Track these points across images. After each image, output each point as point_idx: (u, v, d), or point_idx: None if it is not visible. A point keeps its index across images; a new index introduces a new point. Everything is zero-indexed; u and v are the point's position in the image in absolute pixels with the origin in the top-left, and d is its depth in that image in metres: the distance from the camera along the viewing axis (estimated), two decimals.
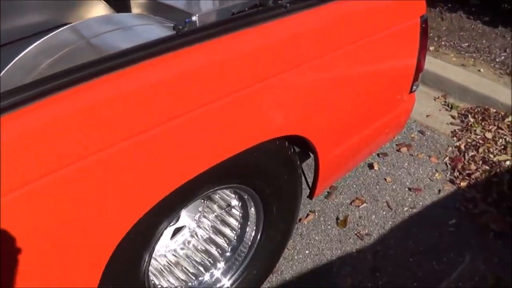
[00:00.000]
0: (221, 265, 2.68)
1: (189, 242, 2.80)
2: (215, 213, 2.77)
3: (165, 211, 1.98)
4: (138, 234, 1.89)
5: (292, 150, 2.43)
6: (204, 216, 2.81)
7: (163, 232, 2.11)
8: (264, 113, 2.07)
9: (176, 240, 2.79)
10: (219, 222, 2.78)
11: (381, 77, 2.63)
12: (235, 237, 2.69)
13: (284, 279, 2.99)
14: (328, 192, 3.55)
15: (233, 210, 2.69)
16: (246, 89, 1.93)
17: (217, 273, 2.66)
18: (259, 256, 2.67)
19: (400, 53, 2.68)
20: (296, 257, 3.12)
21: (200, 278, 2.66)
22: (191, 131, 1.80)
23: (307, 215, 3.38)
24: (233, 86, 1.88)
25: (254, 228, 2.61)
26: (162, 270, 2.67)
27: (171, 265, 2.73)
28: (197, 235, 2.81)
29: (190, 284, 2.64)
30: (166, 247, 2.76)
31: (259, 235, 2.62)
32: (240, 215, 2.65)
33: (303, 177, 2.71)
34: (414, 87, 2.88)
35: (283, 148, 2.35)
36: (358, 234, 3.24)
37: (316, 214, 3.40)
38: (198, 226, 2.82)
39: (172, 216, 2.07)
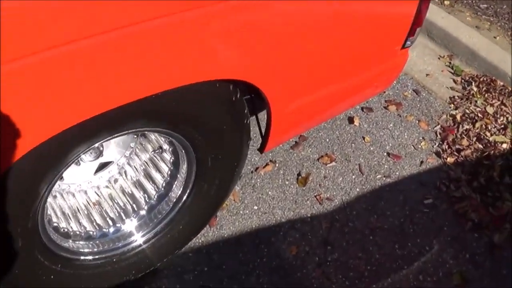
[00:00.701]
0: (142, 213, 2.31)
1: (116, 181, 2.42)
2: (148, 154, 2.38)
3: (79, 139, 1.65)
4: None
5: (237, 96, 2.00)
6: (136, 154, 2.41)
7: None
8: (197, 48, 1.63)
9: (100, 176, 2.40)
10: (150, 165, 2.38)
11: (366, 23, 2.15)
12: (163, 184, 2.30)
13: (222, 235, 2.62)
14: (295, 142, 3.12)
15: (164, 154, 2.29)
16: (175, 15, 1.50)
17: (134, 223, 2.30)
18: (188, 210, 2.29)
19: None
20: (241, 212, 2.73)
21: (118, 225, 2.30)
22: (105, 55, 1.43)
23: (266, 164, 2.97)
24: (160, 9, 1.46)
25: (184, 178, 2.22)
26: (77, 209, 2.30)
27: (89, 205, 2.36)
28: (125, 174, 2.42)
29: (104, 230, 2.28)
30: (89, 182, 2.37)
31: (190, 187, 2.22)
32: (171, 161, 2.25)
33: (257, 128, 2.30)
34: (408, 42, 2.40)
35: (224, 93, 1.92)
36: (317, 197, 2.84)
37: (277, 165, 2.99)
38: (128, 164, 2.42)
39: (86, 146, 1.72)
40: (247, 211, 2.74)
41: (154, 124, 1.84)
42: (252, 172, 2.91)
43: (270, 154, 3.02)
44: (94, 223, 2.26)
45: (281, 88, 2.03)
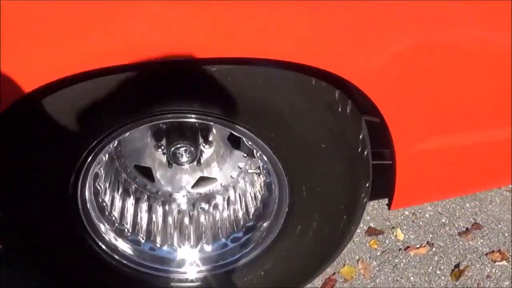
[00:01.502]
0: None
1: (213, 203, 2.07)
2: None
3: None
4: None
5: (345, 107, 1.54)
6: (243, 178, 2.05)
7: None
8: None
9: (199, 192, 2.08)
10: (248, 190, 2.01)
11: None
12: (254, 213, 1.89)
13: None
14: (466, 228, 2.43)
15: (260, 177, 1.89)
16: None
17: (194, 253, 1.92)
18: (272, 253, 1.83)
19: None
20: None
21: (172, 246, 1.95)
22: None
23: (420, 245, 2.35)
24: None
25: (275, 209, 1.78)
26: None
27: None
28: (227, 199, 2.07)
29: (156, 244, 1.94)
30: (184, 196, 2.07)
31: (281, 222, 1.77)
32: (264, 183, 1.83)
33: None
34: None
35: (325, 96, 1.49)
36: None
37: (433, 249, 2.34)
38: (233, 188, 2.06)
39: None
40: None
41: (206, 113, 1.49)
42: (400, 249, 2.32)
43: (430, 236, 2.40)
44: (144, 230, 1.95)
45: (409, 114, 1.51)
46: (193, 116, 1.52)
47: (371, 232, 2.38)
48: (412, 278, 2.22)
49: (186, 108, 1.48)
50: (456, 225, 2.44)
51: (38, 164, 1.54)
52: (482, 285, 2.16)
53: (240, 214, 1.96)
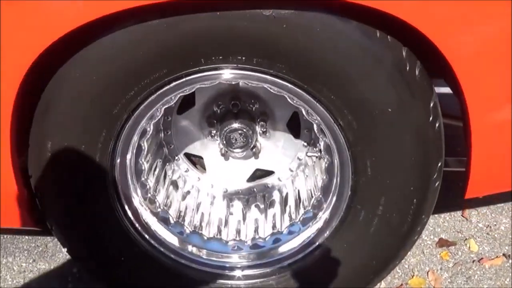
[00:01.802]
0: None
1: (269, 199, 1.92)
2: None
3: None
4: None
5: (414, 68, 1.38)
6: (303, 171, 1.89)
7: None
8: None
9: (254, 187, 1.94)
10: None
11: None
12: (313, 202, 1.71)
13: None
14: None
15: (321, 162, 1.72)
16: None
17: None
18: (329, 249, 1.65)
19: None
20: None
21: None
22: None
23: (496, 257, 2.11)
24: None
25: (336, 191, 1.60)
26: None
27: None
28: (282, 193, 1.91)
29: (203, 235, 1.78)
30: (238, 191, 1.93)
31: (343, 207, 1.60)
32: (325, 166, 1.66)
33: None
34: None
35: (391, 53, 1.34)
36: None
37: (510, 261, 2.10)
38: (292, 182, 1.91)
39: None
40: None
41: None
42: (474, 261, 2.09)
43: (506, 248, 2.15)
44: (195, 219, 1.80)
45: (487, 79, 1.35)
46: (244, 70, 1.38)
47: (442, 243, 2.16)
48: None
49: (237, 58, 1.35)
50: None
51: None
52: None
53: (297, 205, 1.78)
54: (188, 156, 1.90)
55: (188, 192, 1.88)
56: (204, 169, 1.91)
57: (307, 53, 1.31)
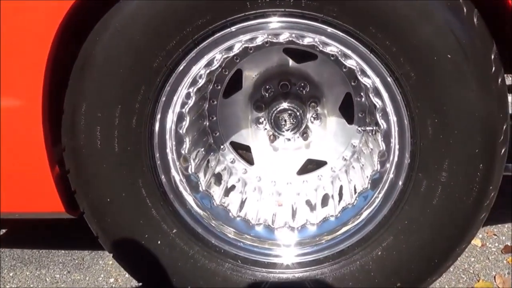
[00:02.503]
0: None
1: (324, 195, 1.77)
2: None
3: None
4: None
5: (472, 16, 1.27)
6: (358, 160, 1.75)
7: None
8: None
9: (305, 179, 1.80)
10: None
11: None
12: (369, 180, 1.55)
13: None
14: None
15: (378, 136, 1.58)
16: None
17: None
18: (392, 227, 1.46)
19: None
20: None
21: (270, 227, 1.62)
22: None
23: None
24: None
25: (396, 158, 1.45)
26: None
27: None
28: (337, 186, 1.75)
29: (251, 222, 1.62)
30: (288, 183, 1.80)
31: (403, 176, 1.44)
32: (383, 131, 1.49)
33: None
34: None
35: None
36: None
37: None
38: (346, 172, 1.76)
39: None
40: None
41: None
42: None
43: None
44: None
45: None
46: (292, 17, 1.30)
47: (508, 250, 1.96)
48: None
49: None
50: None
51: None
52: None
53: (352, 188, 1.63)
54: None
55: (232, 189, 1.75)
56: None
57: None
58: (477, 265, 1.89)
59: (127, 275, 1.90)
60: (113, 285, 1.88)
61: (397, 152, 1.43)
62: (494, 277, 1.82)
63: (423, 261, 1.46)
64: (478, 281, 1.81)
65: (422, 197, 1.40)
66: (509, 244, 2.00)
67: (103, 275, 1.93)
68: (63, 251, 2.09)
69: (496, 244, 2.01)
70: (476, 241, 2.01)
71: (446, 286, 1.79)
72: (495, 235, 2.07)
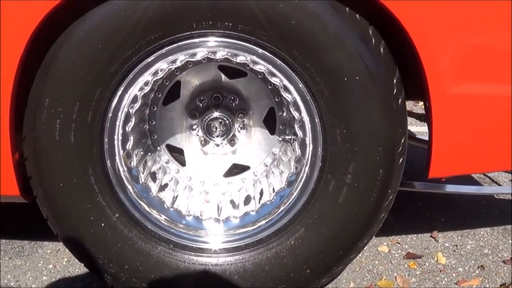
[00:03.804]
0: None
1: (245, 194, 2.03)
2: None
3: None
4: None
5: (378, 44, 1.58)
6: (277, 165, 2.02)
7: None
8: None
9: (230, 181, 2.05)
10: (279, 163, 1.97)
11: None
12: (286, 179, 1.83)
13: None
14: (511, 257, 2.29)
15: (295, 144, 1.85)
16: None
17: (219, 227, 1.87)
18: (303, 219, 1.75)
19: None
20: None
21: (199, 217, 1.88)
22: None
23: (472, 279, 2.16)
24: None
25: (309, 161, 1.73)
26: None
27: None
28: (258, 188, 2.02)
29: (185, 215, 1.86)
30: (215, 184, 2.04)
31: (315, 177, 1.72)
32: (299, 139, 1.77)
33: None
34: None
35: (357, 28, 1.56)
36: None
37: (477, 271, 2.19)
38: (266, 177, 2.03)
39: None
40: None
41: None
42: (441, 271, 2.17)
43: (473, 261, 2.24)
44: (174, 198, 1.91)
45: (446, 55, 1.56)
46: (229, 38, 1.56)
47: (410, 256, 2.26)
48: None
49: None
50: (499, 255, 2.29)
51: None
52: None
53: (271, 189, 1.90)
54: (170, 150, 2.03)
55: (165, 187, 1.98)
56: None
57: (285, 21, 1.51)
58: (381, 267, 2.18)
59: (64, 262, 2.09)
60: (52, 271, 2.05)
61: (310, 157, 1.71)
62: (396, 277, 2.12)
63: (330, 251, 1.74)
64: (381, 280, 2.10)
65: (330, 195, 1.68)
66: (411, 251, 2.31)
67: (42, 262, 2.10)
68: (4, 240, 2.24)
69: (399, 251, 2.31)
70: (383, 248, 2.31)
71: (351, 283, 2.06)
72: (398, 243, 2.36)
